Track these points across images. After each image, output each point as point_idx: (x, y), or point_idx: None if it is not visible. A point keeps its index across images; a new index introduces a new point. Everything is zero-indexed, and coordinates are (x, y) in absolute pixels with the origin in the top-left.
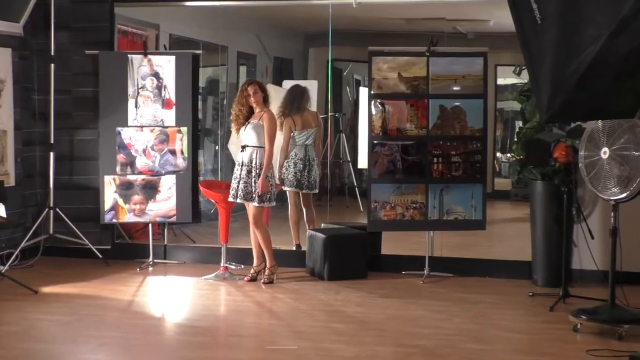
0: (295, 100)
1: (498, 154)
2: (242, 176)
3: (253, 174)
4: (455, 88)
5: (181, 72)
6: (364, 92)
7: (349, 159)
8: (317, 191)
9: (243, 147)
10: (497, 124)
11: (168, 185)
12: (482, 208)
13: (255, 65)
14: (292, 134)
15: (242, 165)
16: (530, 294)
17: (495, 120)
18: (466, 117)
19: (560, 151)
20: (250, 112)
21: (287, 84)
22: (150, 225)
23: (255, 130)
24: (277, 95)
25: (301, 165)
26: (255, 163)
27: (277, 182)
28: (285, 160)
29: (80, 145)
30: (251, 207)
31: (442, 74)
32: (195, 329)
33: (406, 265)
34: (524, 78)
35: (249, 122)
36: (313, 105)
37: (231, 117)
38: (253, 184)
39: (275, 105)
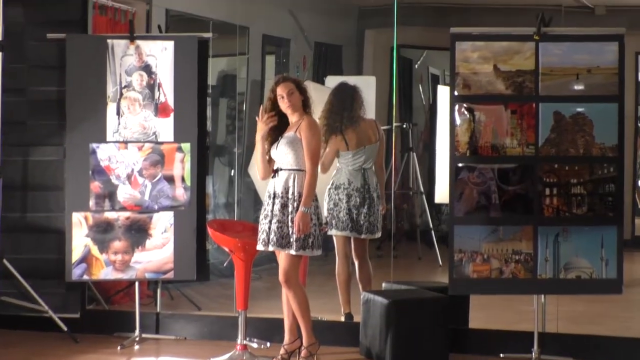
0: (345, 107)
1: None
2: (274, 213)
3: (290, 208)
4: (577, 87)
5: (183, 65)
6: (443, 92)
7: (421, 190)
8: (378, 235)
9: (275, 172)
10: None
11: (163, 227)
12: (616, 262)
13: (288, 54)
14: (342, 154)
15: (274, 197)
16: None
17: (637, 133)
18: (593, 129)
19: None
20: (284, 123)
21: (333, 81)
22: (137, 284)
23: (292, 146)
24: (318, 96)
25: (358, 199)
26: (294, 193)
27: (323, 222)
28: (334, 191)
29: (38, 168)
30: (284, 256)
31: (558, 67)
32: None
33: (506, 345)
34: None
35: (282, 136)
36: (370, 111)
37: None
38: (290, 224)
39: (318, 113)
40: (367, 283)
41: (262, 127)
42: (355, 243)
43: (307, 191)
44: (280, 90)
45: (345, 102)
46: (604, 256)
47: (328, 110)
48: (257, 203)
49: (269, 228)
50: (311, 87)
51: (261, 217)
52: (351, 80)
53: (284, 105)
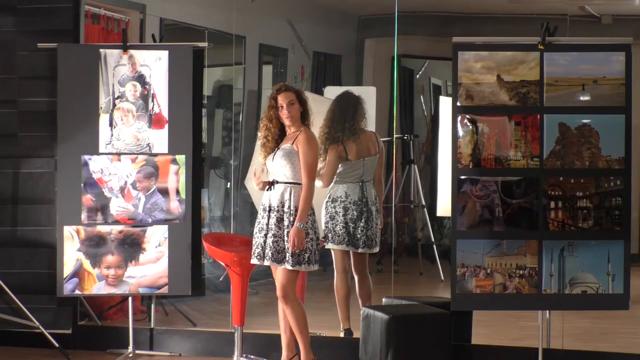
0: (347, 117)
1: None
2: (270, 226)
3: (286, 222)
4: (583, 98)
5: (177, 75)
6: (446, 103)
7: (423, 203)
8: (376, 250)
9: (271, 184)
10: None
11: (157, 241)
12: (623, 277)
13: (285, 64)
14: (339, 167)
15: (269, 211)
16: None
17: None
18: (599, 140)
19: None
20: (282, 134)
21: (332, 91)
22: (130, 299)
23: (289, 158)
24: (317, 107)
25: (355, 212)
26: (290, 207)
27: (321, 236)
28: (330, 204)
29: (28, 181)
30: (280, 271)
31: (563, 77)
32: None
33: None
34: None
35: (278, 148)
36: (370, 123)
37: (259, 141)
38: (286, 238)
39: (317, 125)
40: (367, 298)
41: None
42: (354, 257)
43: (303, 206)
44: (281, 100)
45: (347, 112)
46: (611, 271)
47: (329, 119)
48: (254, 216)
49: (264, 242)
50: (309, 97)
51: (255, 229)
52: (354, 90)
53: (282, 115)
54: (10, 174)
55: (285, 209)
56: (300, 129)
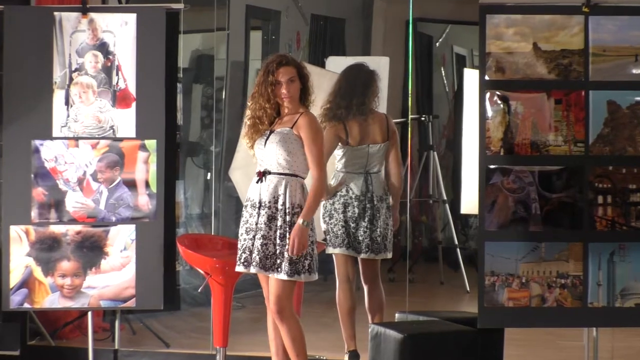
0: (356, 93)
1: None
2: (259, 226)
3: (279, 222)
4: (635, 71)
5: (147, 43)
6: (471, 77)
7: (444, 198)
8: (389, 256)
9: (262, 175)
10: None
11: (122, 244)
12: None
13: (278, 29)
14: (340, 153)
15: (259, 207)
16: None
17: None
18: None
19: None
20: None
21: (335, 63)
22: (90, 315)
23: (285, 145)
24: (316, 82)
25: (357, 209)
26: (284, 203)
27: (320, 238)
28: (329, 199)
29: None
30: (274, 282)
31: (612, 46)
32: None
33: None
34: None
35: (272, 132)
36: (381, 102)
37: (246, 122)
38: (278, 241)
39: (318, 104)
40: (377, 313)
41: None
42: (362, 264)
43: (311, 201)
44: (281, 76)
45: (357, 87)
46: None
47: (334, 93)
48: (240, 214)
49: (252, 245)
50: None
51: (241, 230)
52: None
53: (280, 94)
54: None
55: (279, 206)
56: (300, 111)
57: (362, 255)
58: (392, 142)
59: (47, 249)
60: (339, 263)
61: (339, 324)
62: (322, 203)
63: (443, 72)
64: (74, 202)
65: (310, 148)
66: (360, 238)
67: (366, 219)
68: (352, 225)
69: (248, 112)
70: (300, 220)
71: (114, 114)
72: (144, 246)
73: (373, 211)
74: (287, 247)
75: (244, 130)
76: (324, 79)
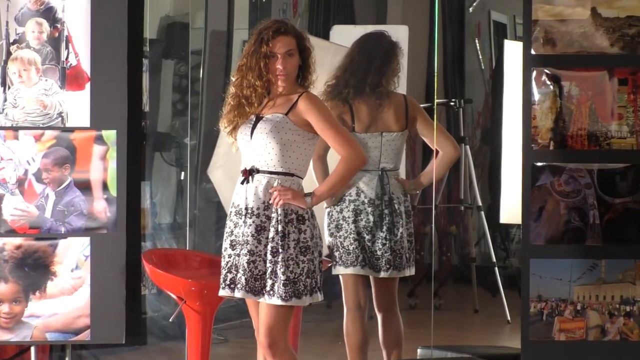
0: (371, 68)
1: None
2: (246, 239)
3: (271, 234)
4: None
5: (104, 9)
6: (513, 51)
7: (479, 203)
8: (412, 272)
9: (247, 174)
10: None
11: (73, 261)
12: None
13: None
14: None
15: (244, 215)
16: None
17: None
18: None
19: None
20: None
21: (342, 33)
22: (33, 350)
23: (277, 135)
24: (318, 57)
25: (372, 217)
26: (276, 210)
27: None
28: (335, 206)
29: None
30: (265, 309)
31: None
32: None
33: None
34: None
35: (260, 118)
36: (401, 82)
37: (229, 102)
38: (270, 257)
39: (320, 82)
40: (395, 348)
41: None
42: (378, 286)
43: (333, 177)
44: (278, 47)
45: (373, 62)
46: None
47: (342, 67)
48: (222, 224)
49: (238, 263)
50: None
51: (225, 244)
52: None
53: (273, 68)
54: None
55: (272, 214)
56: (298, 91)
57: (382, 274)
58: (423, 121)
59: None
60: (348, 285)
61: None
62: (327, 211)
63: (477, 44)
64: (12, 208)
65: (327, 131)
66: (379, 252)
67: (384, 228)
68: (367, 237)
69: (232, 90)
70: (305, 196)
71: (63, 97)
72: (100, 264)
73: (392, 218)
74: (280, 264)
75: (224, 111)
76: (328, 53)
